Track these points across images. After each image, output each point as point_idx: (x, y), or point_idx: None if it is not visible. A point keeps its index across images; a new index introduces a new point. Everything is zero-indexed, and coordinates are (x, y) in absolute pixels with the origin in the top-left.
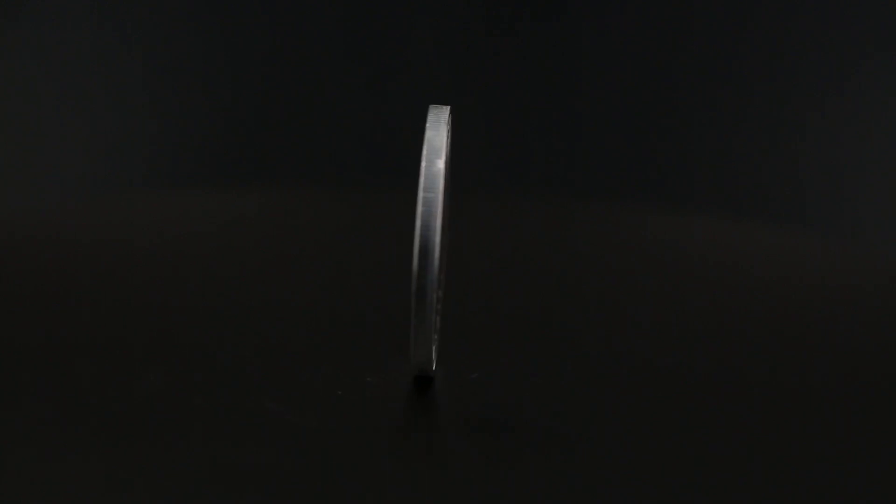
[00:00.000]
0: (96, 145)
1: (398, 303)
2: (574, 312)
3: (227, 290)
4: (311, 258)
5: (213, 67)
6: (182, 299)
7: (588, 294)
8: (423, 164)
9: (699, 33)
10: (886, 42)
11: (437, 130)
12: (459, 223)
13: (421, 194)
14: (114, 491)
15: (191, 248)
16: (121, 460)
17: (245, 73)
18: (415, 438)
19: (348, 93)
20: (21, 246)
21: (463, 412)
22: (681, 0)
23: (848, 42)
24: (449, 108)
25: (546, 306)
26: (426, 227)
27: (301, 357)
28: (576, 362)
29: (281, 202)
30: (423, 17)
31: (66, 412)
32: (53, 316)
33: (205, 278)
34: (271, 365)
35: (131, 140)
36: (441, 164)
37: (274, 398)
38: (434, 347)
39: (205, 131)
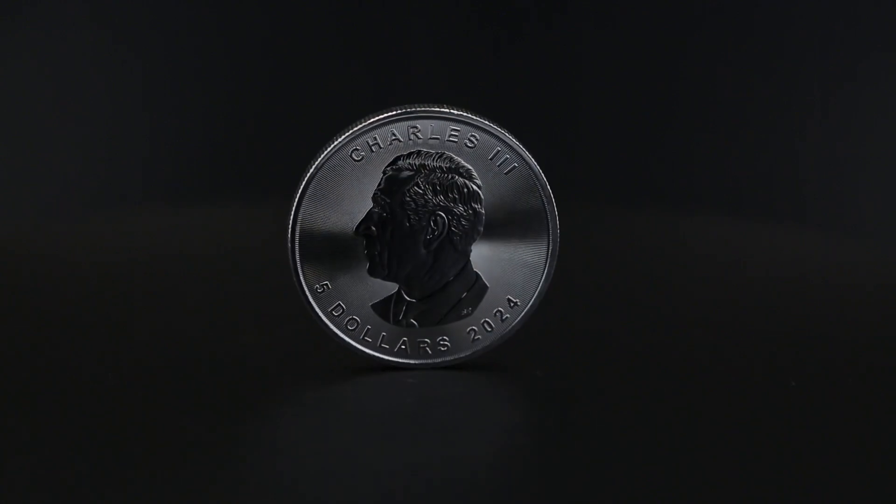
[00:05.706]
0: (91, 160)
1: None
2: (573, 312)
3: (228, 296)
4: None
5: (210, 75)
6: (182, 308)
7: (587, 294)
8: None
9: (700, 33)
10: (887, 42)
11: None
12: None
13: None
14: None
15: (189, 258)
16: (120, 466)
17: (244, 79)
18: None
19: (348, 94)
20: (15, 261)
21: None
22: (681, 0)
23: (848, 42)
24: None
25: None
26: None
27: (307, 362)
28: (574, 362)
29: (280, 204)
30: (423, 17)
31: (64, 428)
32: (49, 333)
33: (204, 286)
34: (278, 372)
35: (127, 155)
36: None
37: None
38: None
39: (202, 143)
